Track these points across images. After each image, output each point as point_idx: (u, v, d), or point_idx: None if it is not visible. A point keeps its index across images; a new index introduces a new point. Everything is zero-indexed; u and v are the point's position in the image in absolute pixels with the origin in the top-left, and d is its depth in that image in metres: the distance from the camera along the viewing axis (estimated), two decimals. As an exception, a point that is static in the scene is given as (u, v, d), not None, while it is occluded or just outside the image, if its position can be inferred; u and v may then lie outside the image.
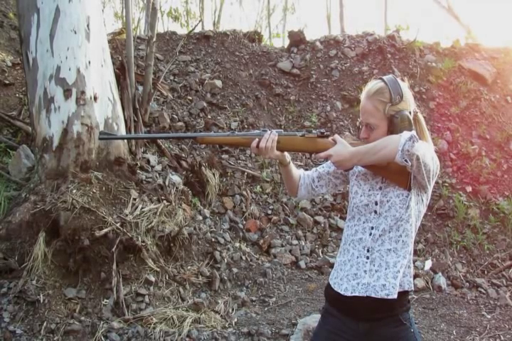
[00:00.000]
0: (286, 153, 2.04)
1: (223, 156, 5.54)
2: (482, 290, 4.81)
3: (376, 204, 1.90)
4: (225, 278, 4.26)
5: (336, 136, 1.98)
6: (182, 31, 8.19)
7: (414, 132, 1.75)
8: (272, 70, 6.94)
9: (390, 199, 1.89)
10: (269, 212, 5.30)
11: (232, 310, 3.98)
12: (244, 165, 5.55)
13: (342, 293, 1.92)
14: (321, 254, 5.05)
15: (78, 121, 4.11)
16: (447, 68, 7.09)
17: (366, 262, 1.90)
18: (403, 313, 1.92)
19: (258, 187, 5.45)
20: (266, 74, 6.82)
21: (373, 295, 1.86)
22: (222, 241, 4.59)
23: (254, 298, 4.20)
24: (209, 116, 5.92)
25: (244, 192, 5.27)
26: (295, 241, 5.08)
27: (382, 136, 1.86)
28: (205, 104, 6.01)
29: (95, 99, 4.22)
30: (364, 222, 1.93)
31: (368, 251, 1.90)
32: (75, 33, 4.18)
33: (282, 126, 6.24)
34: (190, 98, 6.08)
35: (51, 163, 4.08)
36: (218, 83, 6.34)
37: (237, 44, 7.22)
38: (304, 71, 6.99)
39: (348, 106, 6.68)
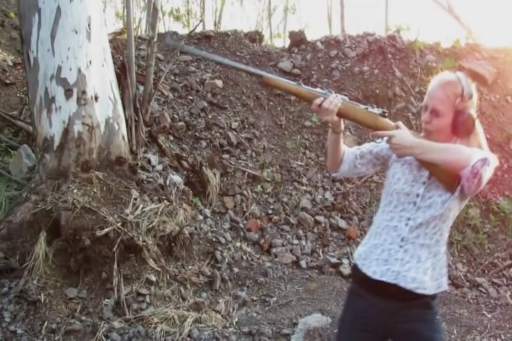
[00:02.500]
0: (342, 122, 2.03)
1: (224, 156, 5.54)
2: (483, 289, 4.81)
3: (417, 196, 1.91)
4: (226, 277, 4.26)
5: (400, 123, 1.99)
6: (183, 31, 8.21)
7: (488, 155, 1.80)
8: (272, 70, 6.94)
9: (431, 196, 1.89)
10: (270, 211, 5.30)
11: (233, 309, 3.98)
12: (245, 165, 5.55)
13: (370, 275, 1.92)
14: (321, 254, 5.06)
15: (79, 121, 4.12)
16: (447, 68, 7.07)
17: (399, 251, 1.91)
18: (431, 300, 1.94)
19: (259, 186, 5.45)
20: (266, 74, 6.82)
21: (402, 284, 1.87)
22: (223, 240, 4.59)
23: (255, 298, 4.20)
24: (210, 116, 5.92)
25: (245, 192, 5.28)
26: (296, 241, 5.08)
27: (445, 126, 1.88)
28: (205, 104, 6.01)
29: (96, 98, 4.23)
30: (401, 211, 1.93)
31: (402, 240, 1.91)
32: (76, 32, 4.18)
33: (283, 126, 6.24)
34: (191, 98, 6.08)
35: (52, 162, 4.09)
36: (219, 83, 6.34)
37: (238, 44, 7.22)
38: (304, 71, 6.98)
39: (348, 106, 6.67)
